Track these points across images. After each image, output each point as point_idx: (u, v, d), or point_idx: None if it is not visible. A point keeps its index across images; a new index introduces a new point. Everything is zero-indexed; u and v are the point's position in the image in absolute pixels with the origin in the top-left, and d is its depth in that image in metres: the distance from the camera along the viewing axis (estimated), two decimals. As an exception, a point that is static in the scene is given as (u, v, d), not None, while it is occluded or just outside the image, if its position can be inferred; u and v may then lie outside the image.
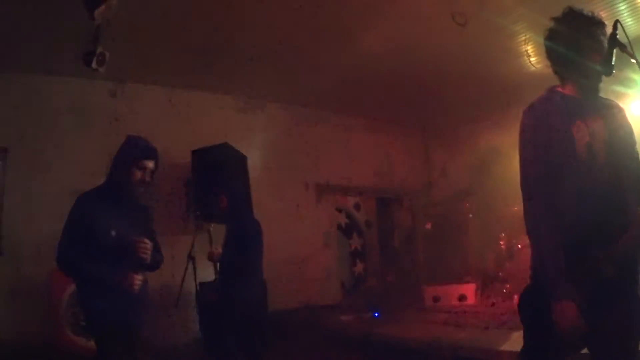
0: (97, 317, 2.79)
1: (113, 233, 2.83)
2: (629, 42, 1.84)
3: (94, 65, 4.24)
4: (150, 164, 2.95)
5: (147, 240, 2.92)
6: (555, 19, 2.08)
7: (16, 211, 5.11)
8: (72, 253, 2.77)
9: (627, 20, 4.91)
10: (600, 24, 2.02)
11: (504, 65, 6.12)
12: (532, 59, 6.15)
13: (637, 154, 2.01)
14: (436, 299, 6.35)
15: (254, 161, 6.02)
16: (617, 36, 1.89)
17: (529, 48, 5.94)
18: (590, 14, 2.03)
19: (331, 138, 7.50)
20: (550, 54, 2.12)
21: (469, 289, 6.21)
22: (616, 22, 1.86)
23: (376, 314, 6.14)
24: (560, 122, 1.98)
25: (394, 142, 8.36)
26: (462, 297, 6.19)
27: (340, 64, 5.92)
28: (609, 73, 1.96)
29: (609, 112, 2.03)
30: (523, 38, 5.74)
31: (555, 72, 2.14)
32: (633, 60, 1.91)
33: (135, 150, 2.95)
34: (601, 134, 1.96)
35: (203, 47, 5.29)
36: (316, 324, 5.63)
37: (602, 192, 1.91)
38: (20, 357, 4.38)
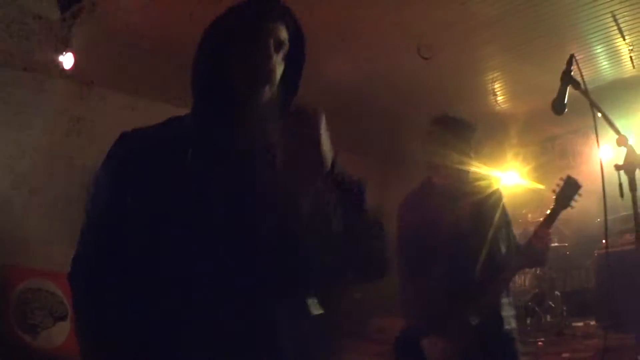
0: None
1: (219, 200, 1.21)
2: (583, 80, 1.74)
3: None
4: (282, 31, 1.25)
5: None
6: (431, 120, 2.35)
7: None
8: (105, 260, 1.16)
9: (603, 64, 4.92)
10: (470, 127, 2.27)
11: (470, 102, 6.10)
12: (499, 98, 6.18)
13: (509, 224, 2.29)
14: (380, 330, 6.19)
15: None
16: (572, 73, 1.78)
17: (496, 86, 5.97)
18: (461, 117, 2.29)
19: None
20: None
21: (415, 323, 6.07)
22: (571, 57, 1.77)
23: (317, 341, 5.93)
24: (427, 211, 2.22)
25: (351, 170, 8.20)
26: (407, 331, 6.04)
27: (300, 87, 5.80)
28: (560, 112, 1.87)
29: (482, 192, 2.26)
30: (490, 76, 5.75)
31: (428, 165, 2.35)
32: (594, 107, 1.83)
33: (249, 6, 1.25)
34: (463, 212, 2.18)
35: (163, 58, 5.14)
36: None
37: (471, 264, 2.12)
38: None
